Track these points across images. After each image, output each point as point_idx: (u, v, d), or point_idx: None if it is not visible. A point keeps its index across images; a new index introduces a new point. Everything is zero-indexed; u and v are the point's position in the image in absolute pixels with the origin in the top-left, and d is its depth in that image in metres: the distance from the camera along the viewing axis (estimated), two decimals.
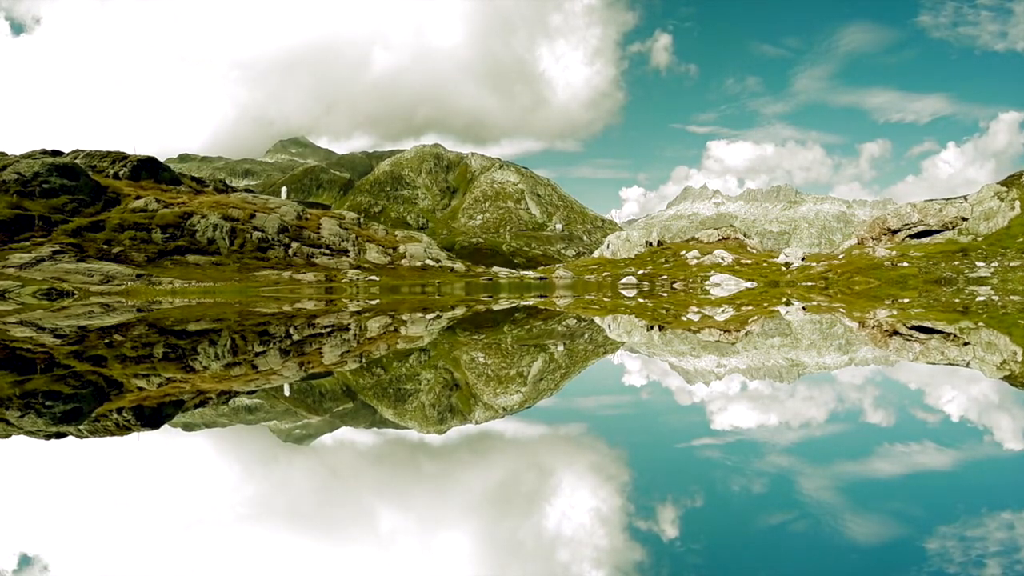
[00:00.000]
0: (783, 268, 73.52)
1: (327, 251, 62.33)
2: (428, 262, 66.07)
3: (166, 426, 5.04)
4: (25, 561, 2.86)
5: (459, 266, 68.74)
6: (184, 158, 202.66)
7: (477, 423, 5.31)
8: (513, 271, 78.19)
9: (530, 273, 76.57)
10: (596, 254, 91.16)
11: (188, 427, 5.05)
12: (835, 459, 4.21)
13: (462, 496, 3.72)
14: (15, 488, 3.79)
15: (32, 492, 3.73)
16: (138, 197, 58.44)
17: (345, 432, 5.10)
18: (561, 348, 10.56)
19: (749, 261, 78.42)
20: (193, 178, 74.10)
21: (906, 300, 28.47)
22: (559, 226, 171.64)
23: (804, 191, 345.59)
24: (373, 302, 27.57)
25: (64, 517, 3.31)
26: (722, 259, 78.63)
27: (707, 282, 63.44)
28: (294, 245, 60.46)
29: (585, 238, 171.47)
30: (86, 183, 56.64)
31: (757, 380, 7.16)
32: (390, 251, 66.63)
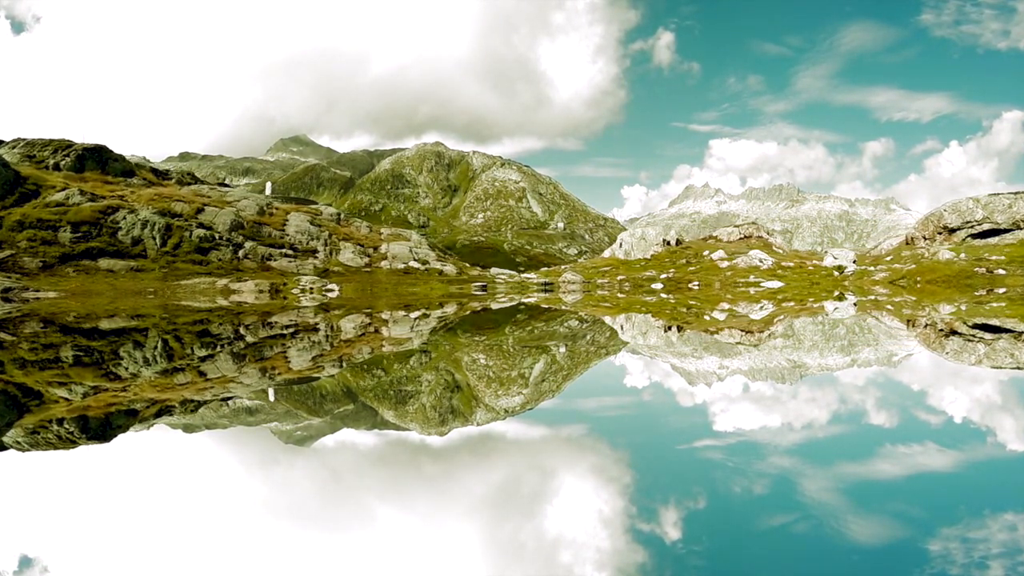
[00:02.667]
0: (835, 273, 63.21)
1: (290, 252, 52.29)
2: (412, 264, 55.72)
3: (166, 427, 5.04)
4: (26, 563, 2.86)
5: (450, 268, 57.80)
6: (184, 157, 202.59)
7: (479, 425, 5.31)
8: (513, 273, 66.19)
9: (533, 276, 65.56)
10: (607, 254, 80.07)
11: (189, 428, 5.05)
12: (837, 460, 4.21)
13: (464, 498, 3.72)
14: (14, 494, 3.79)
15: (32, 495, 3.73)
16: (63, 189, 48.97)
17: (346, 434, 5.10)
18: (563, 350, 10.56)
19: (791, 264, 67.83)
20: (154, 170, 63.97)
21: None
22: (561, 224, 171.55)
23: (806, 190, 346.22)
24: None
25: (66, 519, 3.31)
26: (760, 261, 66.84)
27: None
28: (248, 245, 50.22)
29: (587, 237, 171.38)
30: (0, 173, 48.19)
31: (759, 381, 7.16)
32: (370, 251, 56.86)
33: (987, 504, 3.36)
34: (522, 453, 4.56)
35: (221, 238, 49.88)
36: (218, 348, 10.07)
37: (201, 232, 49.31)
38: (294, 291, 41.93)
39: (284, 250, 52.32)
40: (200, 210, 51.80)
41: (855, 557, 2.81)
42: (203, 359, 8.85)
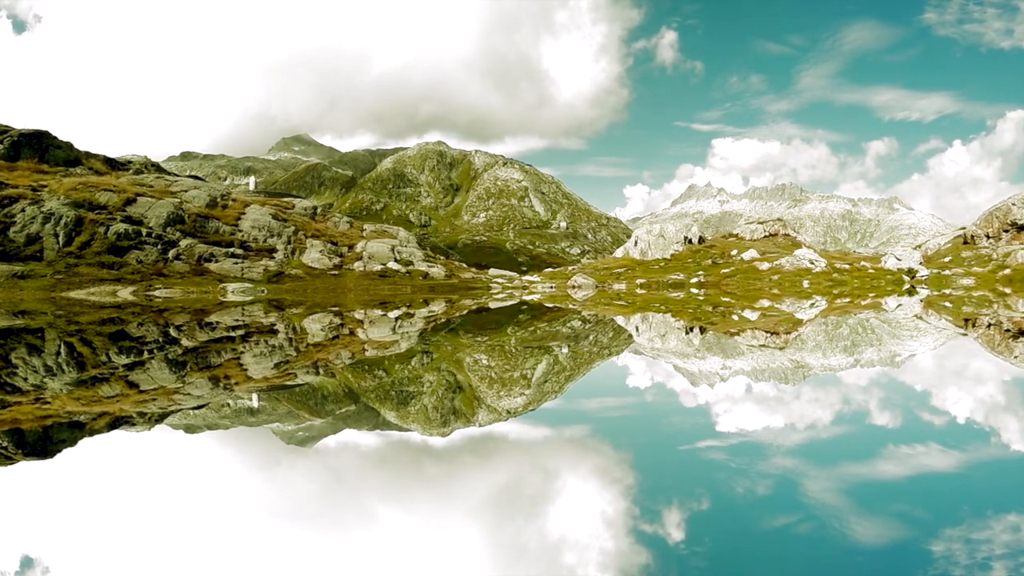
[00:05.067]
0: (906, 279, 52.69)
1: (240, 251, 43.06)
2: (392, 265, 46.91)
3: (167, 427, 5.04)
4: (27, 563, 2.86)
5: (437, 271, 48.73)
6: (186, 156, 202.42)
7: (481, 426, 5.31)
8: (513, 276, 57.66)
9: (536, 279, 57.31)
10: (619, 253, 71.03)
11: (190, 429, 5.05)
12: (840, 461, 4.20)
13: (466, 499, 3.71)
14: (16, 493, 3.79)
15: (35, 495, 3.74)
16: None
17: (348, 435, 5.10)
18: (566, 350, 10.54)
19: (845, 266, 58.51)
20: (109, 160, 55.41)
21: None
22: (564, 224, 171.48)
23: (809, 189, 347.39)
24: None
25: (69, 521, 3.31)
26: (810, 263, 56.70)
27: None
28: (185, 243, 41.18)
29: (590, 236, 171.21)
30: None
31: (762, 382, 7.14)
32: (343, 250, 48.00)
33: (990, 505, 3.36)
34: (524, 454, 4.55)
35: (150, 234, 40.67)
36: (147, 356, 8.74)
37: (123, 227, 39.83)
38: (232, 295, 35.66)
39: (232, 249, 43.02)
40: (131, 201, 42.67)
41: (858, 558, 2.80)
42: (129, 367, 7.61)
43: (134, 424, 5.04)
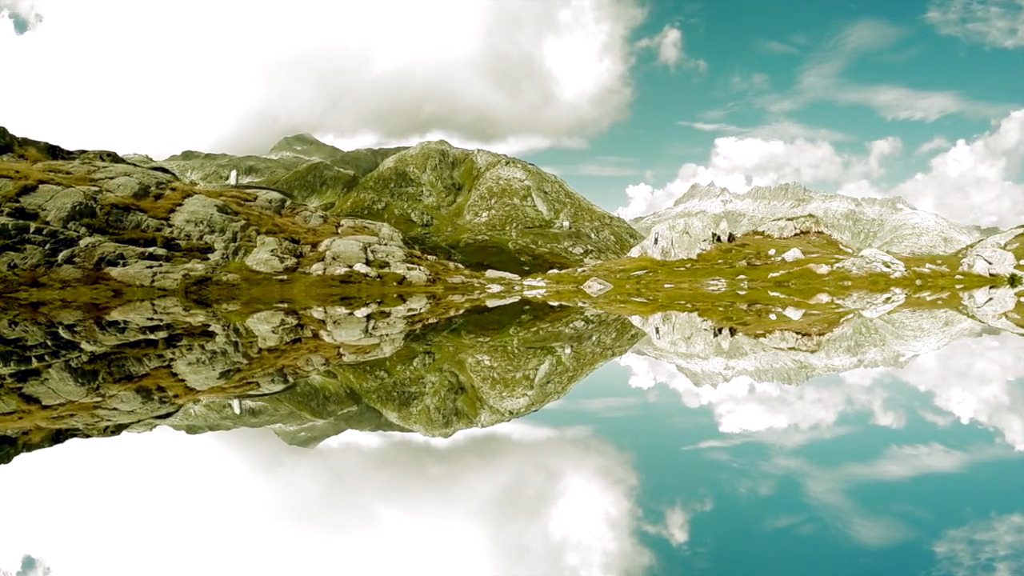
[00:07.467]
0: (1009, 284, 45.21)
1: (163, 250, 35.17)
2: (360, 268, 39.25)
3: (168, 428, 5.04)
4: (29, 563, 2.86)
5: (418, 275, 40.92)
6: (188, 155, 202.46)
7: (483, 426, 5.30)
8: (513, 279, 49.90)
9: (539, 284, 49.50)
10: (635, 252, 61.91)
11: (192, 430, 5.05)
12: (843, 462, 4.19)
13: (468, 500, 3.71)
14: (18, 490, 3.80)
15: (38, 493, 3.74)
16: None
17: (350, 435, 5.10)
18: (568, 351, 10.53)
19: (926, 270, 51.33)
20: (52, 147, 48.04)
21: None
22: (566, 223, 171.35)
23: (812, 189, 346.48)
24: None
25: (73, 520, 3.32)
26: (886, 267, 48.51)
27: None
28: (87, 241, 32.98)
29: (593, 236, 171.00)
30: None
31: (765, 382, 7.13)
32: (304, 249, 40.47)
33: (994, 506, 3.35)
34: (527, 455, 4.55)
35: (40, 231, 32.42)
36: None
37: (8, 223, 31.52)
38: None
39: (152, 249, 35.07)
40: (29, 189, 34.54)
41: (861, 559, 2.80)
42: (18, 377, 6.47)
43: (89, 434, 4.71)
